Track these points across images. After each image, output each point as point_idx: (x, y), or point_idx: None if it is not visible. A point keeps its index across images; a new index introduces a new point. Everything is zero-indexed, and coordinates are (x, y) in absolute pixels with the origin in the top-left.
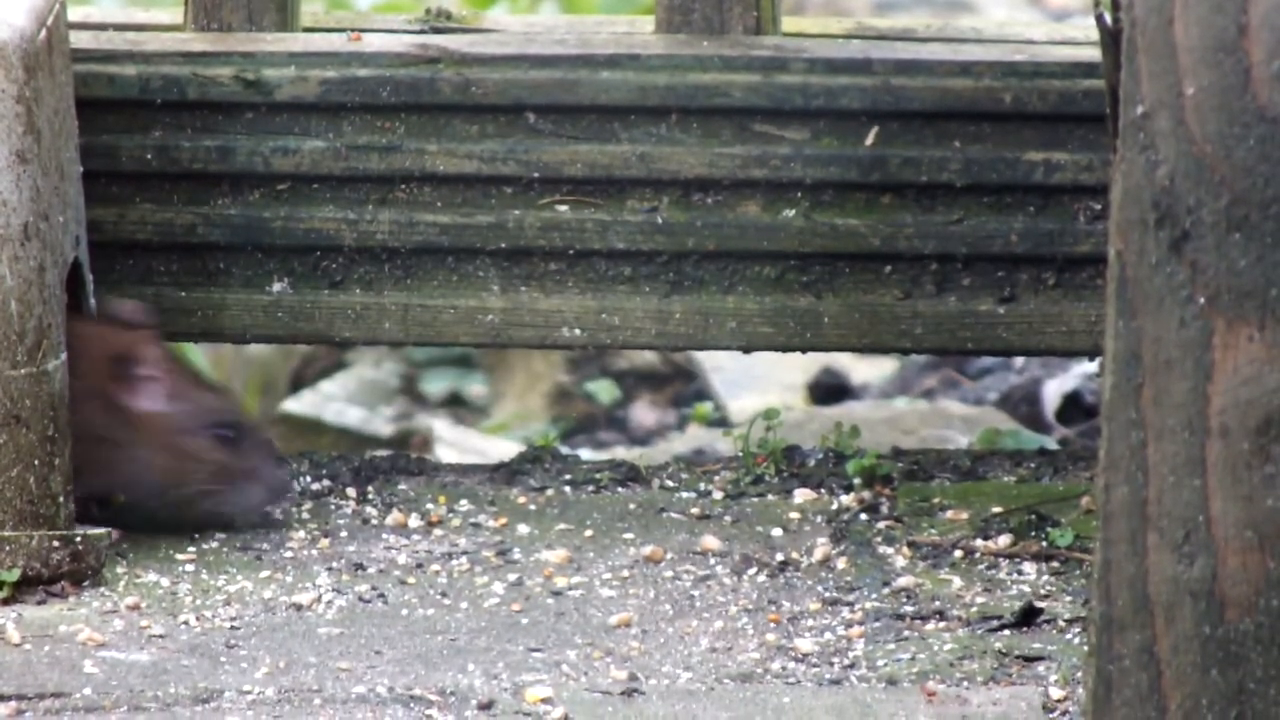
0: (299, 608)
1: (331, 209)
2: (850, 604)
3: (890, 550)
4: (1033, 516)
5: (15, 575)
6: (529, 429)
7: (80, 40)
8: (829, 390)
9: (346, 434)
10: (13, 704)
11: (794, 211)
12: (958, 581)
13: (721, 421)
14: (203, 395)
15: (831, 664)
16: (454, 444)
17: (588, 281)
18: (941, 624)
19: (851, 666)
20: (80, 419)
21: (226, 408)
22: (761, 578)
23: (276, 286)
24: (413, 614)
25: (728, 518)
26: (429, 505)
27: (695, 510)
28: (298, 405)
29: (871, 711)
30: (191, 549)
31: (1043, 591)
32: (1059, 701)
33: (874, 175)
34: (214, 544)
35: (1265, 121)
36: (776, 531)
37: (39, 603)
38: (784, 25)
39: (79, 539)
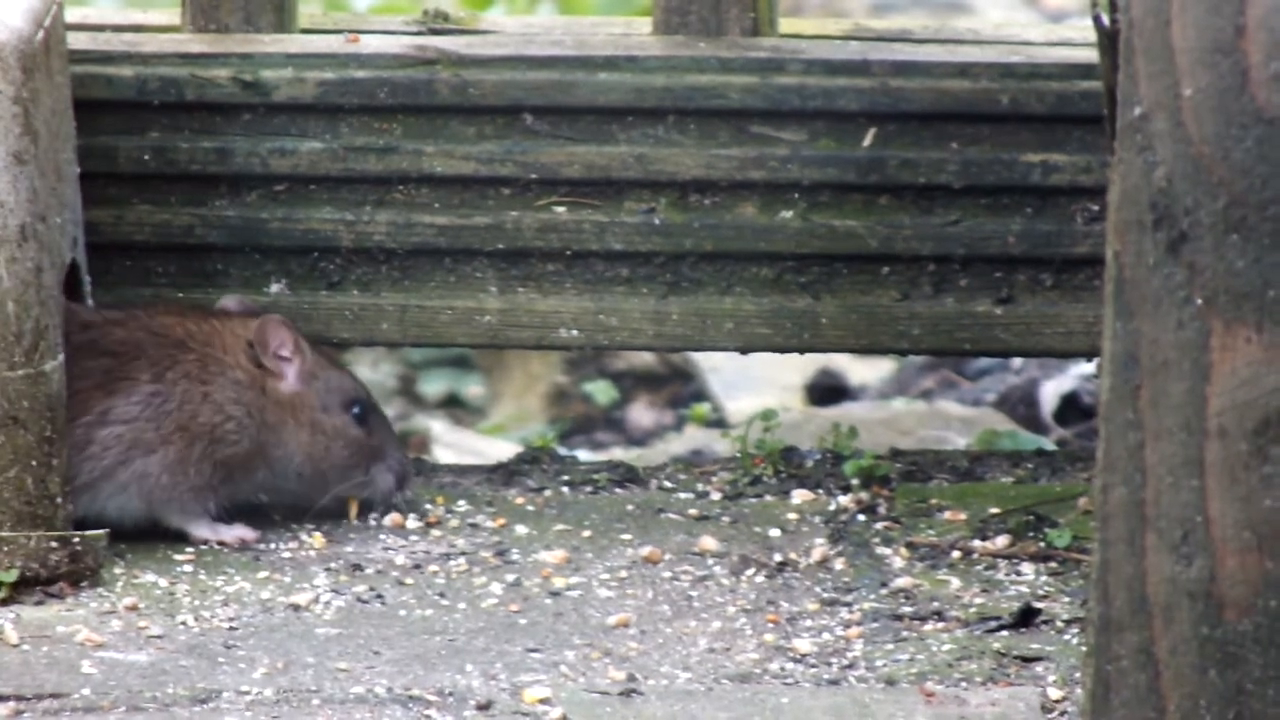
0: (297, 608)
1: (329, 210)
2: (848, 605)
3: (888, 551)
4: (1031, 517)
5: (13, 576)
6: (527, 430)
7: (78, 41)
8: (827, 391)
9: None
10: (11, 704)
11: (791, 213)
12: (956, 582)
13: (719, 422)
14: (335, 373)
15: (830, 664)
16: (452, 445)
17: (585, 282)
18: (940, 624)
19: (850, 667)
20: (237, 407)
21: (357, 385)
22: (760, 578)
23: (274, 287)
24: (411, 614)
25: (726, 518)
26: (427, 506)
27: (693, 511)
28: None
29: (870, 712)
30: (190, 549)
31: (1041, 592)
32: (1057, 702)
33: (871, 176)
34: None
35: (1263, 122)
36: (774, 532)
37: (37, 603)
38: (781, 26)
39: (77, 540)
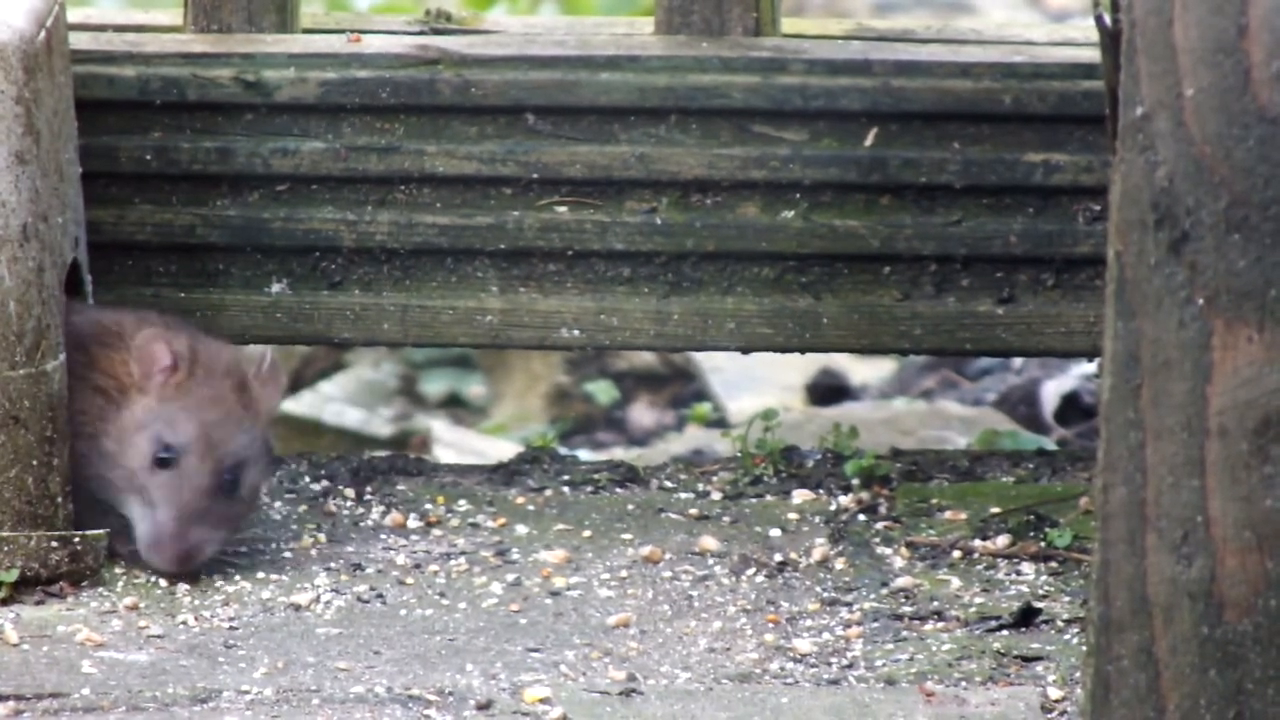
0: (297, 608)
1: (331, 210)
2: (849, 604)
3: (889, 551)
4: (1031, 517)
5: (13, 575)
6: (528, 430)
7: (80, 41)
8: (828, 391)
9: (345, 435)
10: (11, 704)
11: (793, 212)
12: (956, 582)
13: (720, 422)
14: (187, 413)
15: (830, 664)
16: (453, 445)
17: (586, 282)
18: (940, 624)
19: (850, 667)
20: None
21: (187, 437)
22: (760, 578)
23: (275, 287)
24: (411, 614)
25: (726, 518)
26: (427, 506)
27: (694, 511)
28: (297, 406)
29: (870, 712)
30: None
31: (1041, 592)
32: (1057, 702)
33: (873, 176)
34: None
35: (1265, 122)
36: (775, 532)
37: (37, 603)
38: (783, 26)
39: (77, 539)
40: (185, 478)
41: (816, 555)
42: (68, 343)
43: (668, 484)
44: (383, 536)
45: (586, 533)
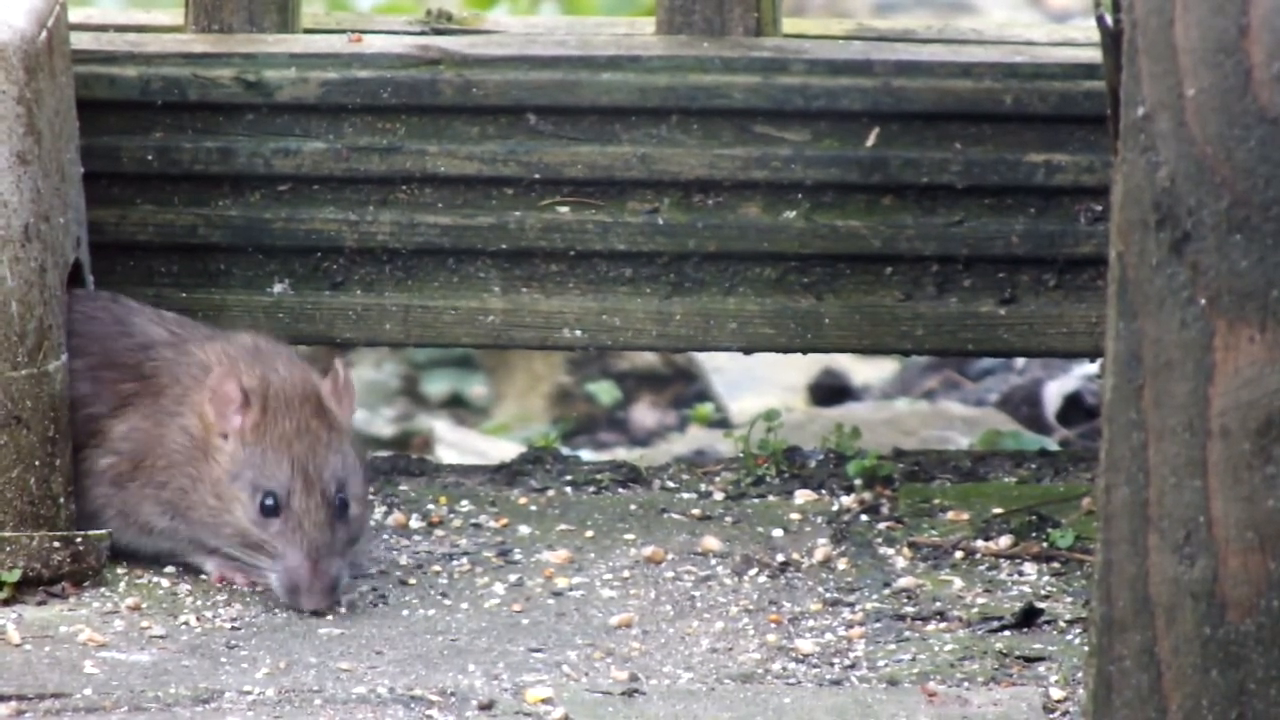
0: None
1: (332, 210)
2: (851, 605)
3: (891, 551)
4: (1033, 517)
5: (16, 576)
6: (530, 430)
7: (81, 41)
8: (830, 391)
9: None
10: (13, 704)
11: (795, 213)
12: (958, 582)
13: (722, 423)
14: (276, 454)
15: (832, 664)
16: (455, 445)
17: (588, 283)
18: (942, 625)
19: (852, 667)
20: (187, 451)
21: (285, 479)
22: (762, 578)
23: (277, 287)
24: (413, 614)
25: (728, 519)
26: (430, 506)
27: (696, 511)
28: None
29: (872, 712)
30: None
31: (1043, 592)
32: (1059, 702)
33: (875, 176)
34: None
35: (1266, 123)
36: (777, 532)
37: (39, 603)
38: (784, 26)
39: (79, 540)
40: (298, 518)
41: (819, 555)
42: (165, 375)
43: (670, 484)
44: (385, 537)
45: (589, 533)
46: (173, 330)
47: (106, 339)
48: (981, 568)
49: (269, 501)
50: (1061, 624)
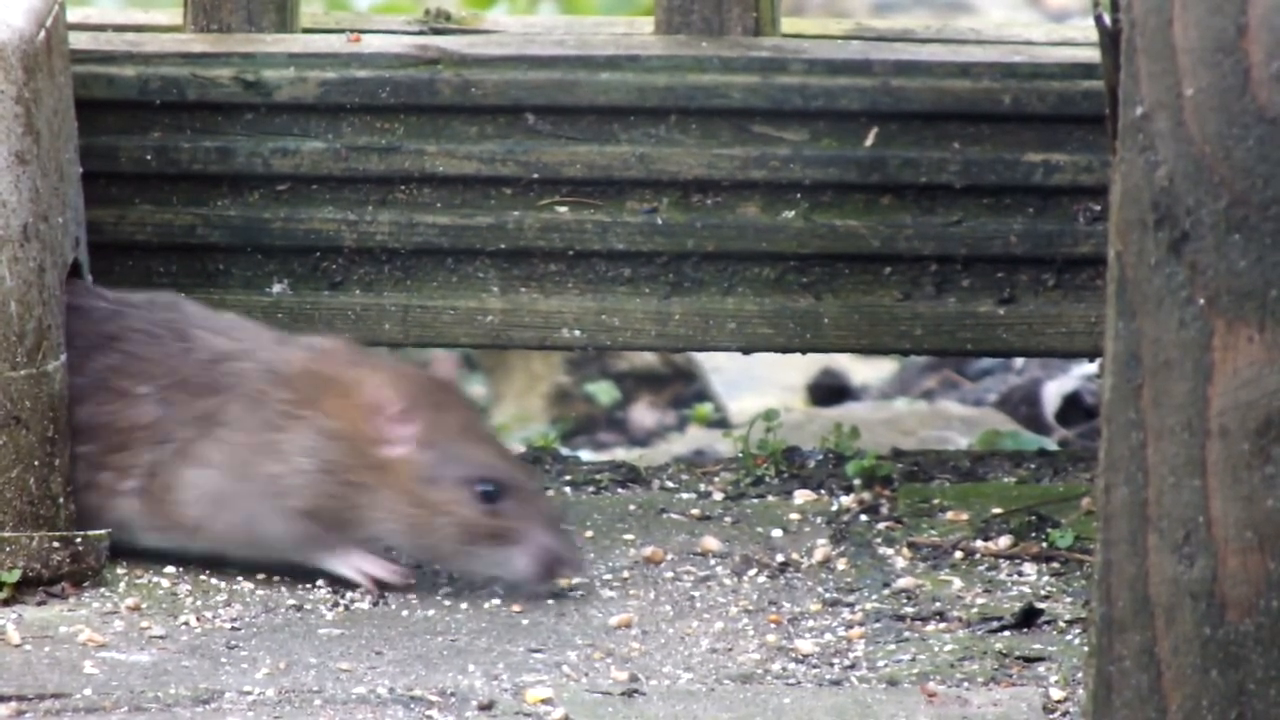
0: (299, 608)
1: (331, 210)
2: (850, 605)
3: (890, 551)
4: (1033, 517)
5: (15, 576)
6: (529, 430)
7: (79, 41)
8: (829, 391)
9: None
10: (13, 704)
11: (793, 212)
12: (958, 582)
13: (721, 423)
14: (464, 447)
15: (832, 665)
16: None
17: (587, 283)
18: (942, 625)
19: (852, 667)
20: (333, 461)
21: (491, 463)
22: (762, 579)
23: (276, 288)
24: (413, 615)
25: (728, 519)
26: None
27: (695, 511)
28: None
29: (872, 712)
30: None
31: (1043, 592)
32: (1059, 702)
33: (873, 176)
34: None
35: (1264, 122)
36: (777, 532)
37: (39, 603)
38: (783, 26)
39: (79, 540)
40: (520, 495)
41: (818, 556)
42: (251, 385)
43: (669, 484)
44: None
45: (588, 533)
46: (242, 338)
47: (173, 357)
48: (981, 568)
49: (489, 489)
50: (1061, 624)
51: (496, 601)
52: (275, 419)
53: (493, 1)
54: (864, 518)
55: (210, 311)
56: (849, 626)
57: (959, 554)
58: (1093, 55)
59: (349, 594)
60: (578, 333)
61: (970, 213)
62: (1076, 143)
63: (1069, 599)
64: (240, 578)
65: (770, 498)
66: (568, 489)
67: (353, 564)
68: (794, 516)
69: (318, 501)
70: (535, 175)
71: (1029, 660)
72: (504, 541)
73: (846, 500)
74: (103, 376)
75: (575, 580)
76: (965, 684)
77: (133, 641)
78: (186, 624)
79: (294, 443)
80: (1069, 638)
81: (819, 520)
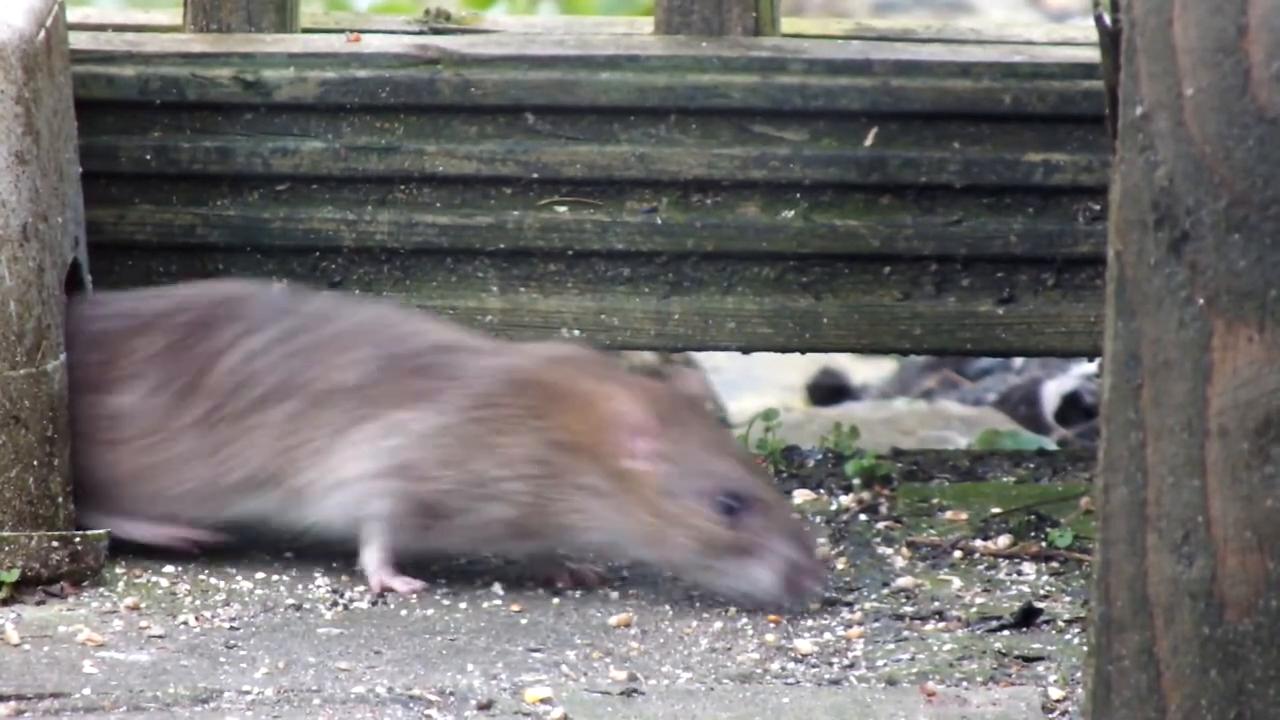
0: (298, 608)
1: (330, 210)
2: (849, 604)
3: (889, 551)
4: (1032, 517)
5: (14, 576)
6: None
7: (79, 41)
8: (828, 391)
9: None
10: (12, 704)
11: (793, 212)
12: (957, 582)
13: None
14: (705, 460)
15: (831, 664)
16: None
17: (587, 282)
18: (941, 624)
19: (851, 667)
20: (559, 469)
21: (731, 475)
22: None
23: (276, 287)
24: (412, 614)
25: None
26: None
27: None
28: None
29: (871, 712)
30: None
31: (1042, 592)
32: (1058, 702)
33: (873, 176)
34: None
35: (1265, 122)
36: None
37: (38, 603)
38: (783, 26)
39: (78, 539)
40: (771, 507)
41: (817, 555)
42: (475, 381)
43: None
44: None
45: None
46: (466, 339)
47: (385, 340)
48: (980, 567)
49: (732, 502)
50: (1060, 624)
51: (496, 601)
52: (501, 424)
53: (493, 1)
54: (863, 517)
55: (433, 319)
56: (848, 626)
57: (958, 553)
58: (1093, 55)
59: (348, 593)
60: (577, 332)
61: (970, 213)
62: (1076, 143)
63: (1068, 598)
64: (239, 577)
65: None
66: None
67: (387, 571)
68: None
69: (526, 508)
70: (535, 175)
71: (1028, 660)
72: (744, 555)
73: (846, 500)
74: (305, 349)
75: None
76: (964, 683)
77: (132, 641)
78: (185, 623)
79: (516, 450)
80: (1068, 637)
81: (818, 519)
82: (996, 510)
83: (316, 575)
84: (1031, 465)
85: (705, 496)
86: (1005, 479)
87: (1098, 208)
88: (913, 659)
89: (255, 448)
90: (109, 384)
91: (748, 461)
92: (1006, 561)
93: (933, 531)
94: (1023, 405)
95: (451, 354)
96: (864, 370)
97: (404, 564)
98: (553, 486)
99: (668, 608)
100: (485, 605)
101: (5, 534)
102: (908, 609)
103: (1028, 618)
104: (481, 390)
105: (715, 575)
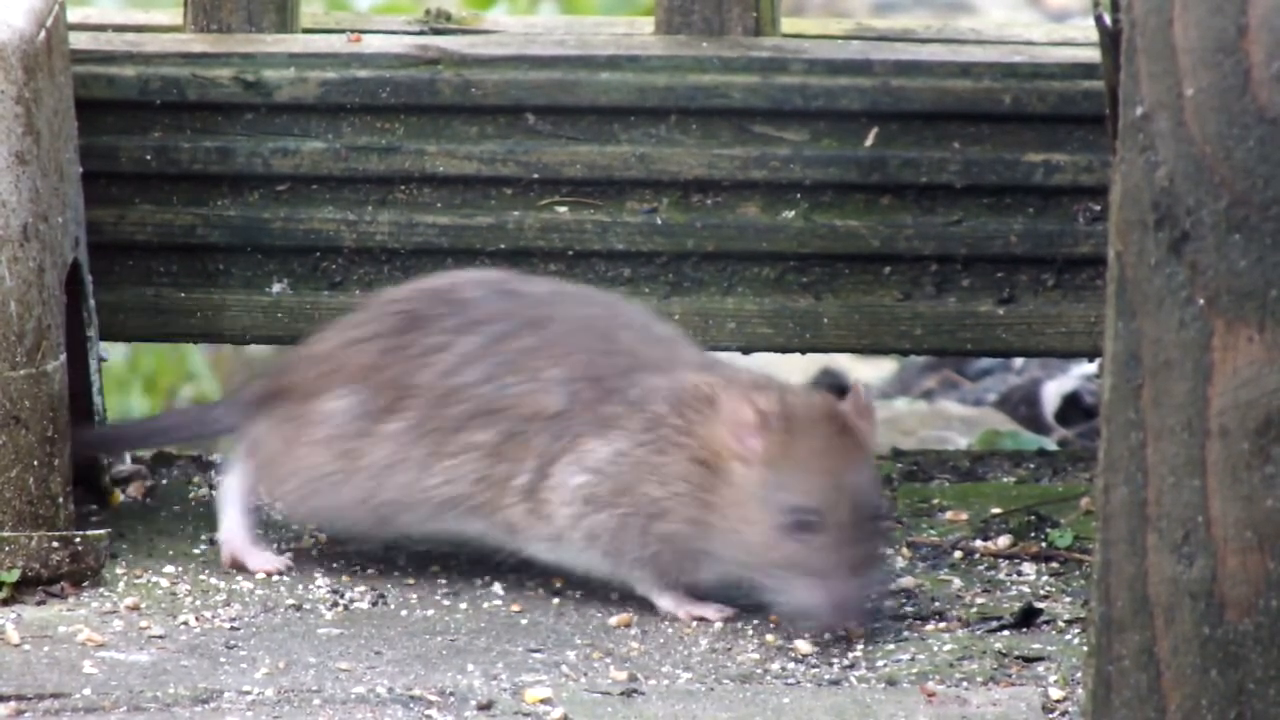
0: (298, 608)
1: (331, 210)
2: None
3: (890, 551)
4: (1032, 517)
5: (14, 576)
6: None
7: (79, 41)
8: (828, 391)
9: None
10: (12, 704)
11: (793, 212)
12: (957, 582)
13: None
14: (799, 472)
15: (831, 664)
16: None
17: (587, 282)
18: (941, 625)
19: (851, 667)
20: (700, 485)
21: (815, 493)
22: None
23: (276, 287)
24: (412, 614)
25: None
26: None
27: None
28: None
29: (871, 712)
30: (191, 549)
31: (1042, 592)
32: (1058, 702)
33: (873, 176)
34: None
35: (1265, 122)
36: None
37: (38, 603)
38: (783, 26)
39: (78, 540)
40: (838, 533)
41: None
42: (657, 403)
43: None
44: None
45: None
46: (663, 353)
47: (591, 353)
48: (980, 568)
49: (805, 519)
50: (1060, 624)
51: (496, 601)
52: (662, 443)
53: (493, 1)
54: None
55: (649, 315)
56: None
57: (958, 554)
58: (1093, 55)
59: (348, 594)
60: None
61: (970, 213)
62: (1076, 143)
63: (1068, 599)
64: (239, 577)
65: None
66: None
67: (679, 601)
68: None
69: (679, 527)
70: (535, 175)
71: (1028, 660)
72: (802, 573)
73: None
74: (514, 358)
75: (574, 581)
76: (964, 684)
77: (132, 641)
78: (185, 624)
79: (673, 469)
80: (1068, 637)
81: None
82: (997, 511)
83: (316, 575)
84: (1032, 465)
85: (782, 508)
86: (1005, 479)
87: (1098, 208)
88: (913, 659)
89: (462, 471)
90: (322, 390)
91: (852, 488)
92: (1007, 562)
93: (933, 532)
94: (1023, 405)
95: (635, 375)
96: (864, 370)
97: (408, 565)
98: (694, 504)
99: None
100: (485, 605)
101: (5, 534)
102: (908, 609)
103: (1028, 618)
104: (652, 412)
105: (772, 585)
